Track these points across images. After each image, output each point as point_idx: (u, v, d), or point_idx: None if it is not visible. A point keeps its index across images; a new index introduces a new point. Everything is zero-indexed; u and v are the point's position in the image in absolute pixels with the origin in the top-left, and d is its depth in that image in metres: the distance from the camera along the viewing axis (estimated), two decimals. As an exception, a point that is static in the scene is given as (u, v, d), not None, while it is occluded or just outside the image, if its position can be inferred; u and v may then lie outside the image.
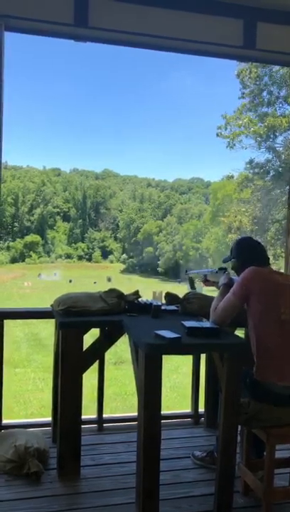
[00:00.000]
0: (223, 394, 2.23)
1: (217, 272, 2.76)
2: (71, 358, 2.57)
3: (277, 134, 20.11)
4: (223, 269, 2.71)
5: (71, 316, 2.63)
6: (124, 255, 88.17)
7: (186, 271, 3.18)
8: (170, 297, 3.08)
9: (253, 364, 2.27)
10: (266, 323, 2.24)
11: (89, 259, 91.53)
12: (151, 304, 2.81)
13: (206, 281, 2.88)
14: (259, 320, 2.25)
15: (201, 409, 3.42)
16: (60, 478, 2.57)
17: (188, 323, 2.32)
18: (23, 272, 67.26)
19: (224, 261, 2.67)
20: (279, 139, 20.41)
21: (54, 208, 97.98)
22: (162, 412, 2.18)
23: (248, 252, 2.48)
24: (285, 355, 2.22)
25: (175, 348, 2.14)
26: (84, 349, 2.63)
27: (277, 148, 20.71)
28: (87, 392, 2.76)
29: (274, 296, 2.25)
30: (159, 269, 75.21)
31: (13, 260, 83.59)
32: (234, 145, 19.71)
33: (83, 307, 2.67)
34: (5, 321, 3.07)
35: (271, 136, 20.14)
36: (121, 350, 9.31)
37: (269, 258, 2.51)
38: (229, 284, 2.48)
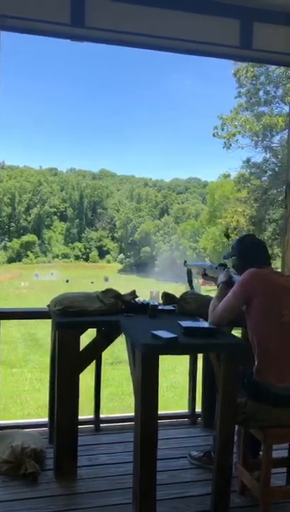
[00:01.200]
0: (220, 394, 2.23)
1: (216, 268, 2.70)
2: (68, 358, 2.56)
3: (274, 134, 20.15)
4: (223, 266, 2.65)
5: (68, 316, 2.62)
6: (121, 255, 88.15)
7: (185, 262, 3.10)
8: (167, 297, 3.08)
9: (251, 364, 2.27)
10: (266, 325, 2.24)
11: (86, 259, 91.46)
12: (148, 303, 2.80)
13: (204, 276, 2.83)
14: (259, 321, 2.25)
15: (198, 409, 3.42)
16: (57, 479, 2.57)
17: (185, 323, 2.32)
18: (19, 271, 67.15)
19: (225, 257, 2.62)
20: (276, 139, 20.45)
21: (51, 207, 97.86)
22: (159, 412, 2.18)
23: (250, 251, 2.44)
24: (285, 357, 2.22)
25: (172, 348, 2.14)
26: (81, 349, 2.62)
27: (274, 148, 20.74)
28: (83, 392, 2.75)
29: (275, 298, 2.24)
30: (156, 269, 75.23)
31: (10, 260, 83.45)
32: (231, 145, 19.74)
33: (80, 307, 2.67)
34: (1, 321, 3.07)
35: (268, 135, 20.17)
36: (118, 350, 9.30)
37: (270, 257, 2.48)
38: (228, 283, 2.46)
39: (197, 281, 2.99)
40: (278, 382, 2.20)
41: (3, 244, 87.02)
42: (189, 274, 3.04)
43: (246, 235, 2.63)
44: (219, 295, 2.43)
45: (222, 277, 2.54)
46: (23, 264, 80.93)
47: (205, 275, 2.83)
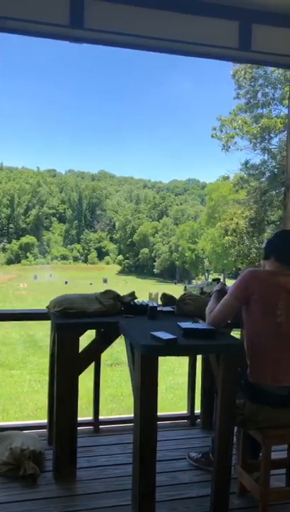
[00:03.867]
0: (219, 395, 2.23)
1: (211, 283, 2.82)
2: (67, 360, 2.56)
3: (272, 136, 20.17)
4: (216, 280, 2.80)
5: (67, 318, 2.62)
6: (120, 256, 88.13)
7: (185, 287, 3.25)
8: (166, 298, 3.09)
9: (248, 365, 2.28)
10: (261, 325, 2.24)
11: (85, 261, 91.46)
12: (147, 305, 2.80)
13: (203, 294, 2.95)
14: (255, 321, 2.26)
15: (197, 410, 3.42)
16: (56, 481, 2.57)
17: (184, 325, 2.32)
18: (18, 273, 67.19)
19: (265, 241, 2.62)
20: (274, 141, 20.48)
21: (50, 209, 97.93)
22: (158, 414, 2.18)
23: (279, 245, 2.39)
24: (280, 357, 2.23)
25: (172, 349, 2.13)
26: (80, 351, 2.62)
27: (272, 150, 20.77)
28: (83, 393, 2.75)
29: (271, 298, 2.24)
30: (155, 271, 75.26)
31: (9, 262, 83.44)
32: (229, 147, 19.77)
33: (79, 309, 2.67)
34: (0, 322, 3.06)
35: (267, 137, 20.20)
36: (117, 351, 9.30)
37: None
38: (221, 291, 2.49)
39: (196, 282, 3.06)
40: (274, 382, 2.20)
41: (1, 245, 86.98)
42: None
43: (287, 231, 2.61)
44: (214, 300, 2.45)
45: (216, 287, 2.59)
46: (21, 265, 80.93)
47: (203, 293, 2.93)
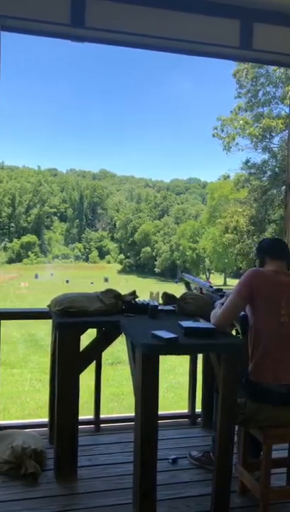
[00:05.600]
0: (220, 394, 2.23)
1: (213, 292, 2.82)
2: (68, 359, 2.56)
3: (273, 135, 20.15)
4: (220, 292, 2.76)
5: (68, 317, 2.62)
6: (121, 255, 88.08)
7: (182, 271, 3.22)
8: (167, 297, 3.09)
9: (248, 364, 2.28)
10: (264, 324, 2.24)
11: (86, 260, 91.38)
12: (148, 304, 2.80)
13: (202, 294, 2.96)
14: (258, 320, 2.26)
15: (198, 409, 3.42)
16: (57, 479, 2.57)
17: (185, 324, 2.32)
18: (19, 272, 67.15)
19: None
20: (276, 140, 20.45)
21: (51, 208, 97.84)
22: (159, 413, 2.18)
23: (267, 245, 2.47)
24: (281, 357, 2.23)
25: (173, 348, 2.14)
26: (81, 349, 2.62)
27: (273, 149, 20.75)
28: (83, 392, 2.75)
29: (275, 297, 2.24)
30: (156, 270, 75.22)
31: (10, 261, 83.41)
32: (230, 147, 19.76)
33: (80, 307, 2.67)
34: (1, 321, 3.07)
35: (268, 136, 20.18)
36: (118, 350, 9.30)
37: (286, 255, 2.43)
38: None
39: (197, 290, 3.07)
40: (274, 381, 2.21)
41: (3, 244, 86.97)
42: (187, 284, 3.22)
43: (265, 239, 2.67)
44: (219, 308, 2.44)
45: (220, 300, 2.56)
46: (23, 264, 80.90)
47: (202, 293, 2.95)
